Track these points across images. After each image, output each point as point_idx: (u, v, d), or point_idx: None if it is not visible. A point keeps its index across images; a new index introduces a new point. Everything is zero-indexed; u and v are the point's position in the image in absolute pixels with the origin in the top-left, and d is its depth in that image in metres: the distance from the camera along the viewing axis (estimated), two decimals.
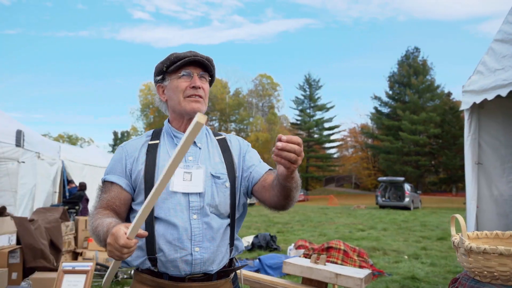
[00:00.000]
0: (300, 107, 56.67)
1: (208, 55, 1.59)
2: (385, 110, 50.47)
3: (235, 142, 1.69)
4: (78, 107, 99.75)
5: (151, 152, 1.54)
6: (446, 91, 47.34)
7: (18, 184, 7.93)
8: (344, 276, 2.57)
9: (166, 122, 1.66)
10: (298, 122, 56.89)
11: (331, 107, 55.63)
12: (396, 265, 6.79)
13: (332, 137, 56.74)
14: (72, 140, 64.14)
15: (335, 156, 59.18)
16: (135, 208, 1.54)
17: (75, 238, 6.50)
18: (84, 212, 10.58)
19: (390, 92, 49.45)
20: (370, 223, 14.20)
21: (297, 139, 1.18)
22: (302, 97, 56.50)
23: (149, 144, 1.57)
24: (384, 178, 26.37)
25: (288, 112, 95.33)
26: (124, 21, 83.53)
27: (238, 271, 1.69)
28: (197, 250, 1.44)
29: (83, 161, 12.22)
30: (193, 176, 1.48)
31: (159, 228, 1.45)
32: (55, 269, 4.56)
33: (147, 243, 1.45)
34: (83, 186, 10.64)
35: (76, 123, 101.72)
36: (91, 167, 12.83)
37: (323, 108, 55.30)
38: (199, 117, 0.99)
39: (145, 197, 1.47)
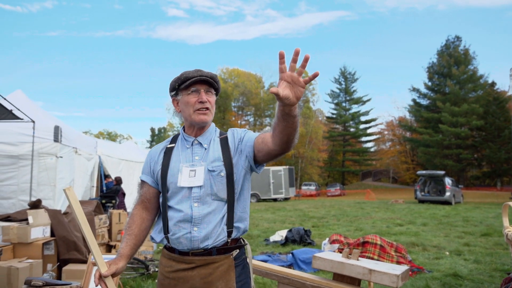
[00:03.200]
0: (335, 101, 55.76)
1: (212, 72, 1.90)
2: (424, 102, 48.64)
3: (231, 135, 1.97)
4: (117, 105, 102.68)
5: (167, 154, 1.93)
6: (490, 81, 44.96)
7: (57, 178, 8.13)
8: (378, 272, 2.38)
9: (181, 129, 2.02)
10: (334, 116, 56.01)
11: (368, 100, 54.50)
12: (436, 262, 6.47)
13: (368, 131, 55.53)
14: (111, 137, 65.98)
15: (372, 150, 57.90)
16: (160, 200, 1.93)
17: (109, 231, 6.55)
18: (121, 205, 10.77)
19: (429, 84, 47.64)
20: (409, 218, 13.72)
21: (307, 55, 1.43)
22: (337, 91, 55.58)
23: (166, 148, 1.96)
24: (424, 171, 25.27)
25: (323, 105, 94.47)
26: (159, 19, 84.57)
27: (247, 252, 1.96)
28: (195, 229, 1.77)
29: (119, 156, 12.47)
30: (196, 172, 1.83)
31: (170, 214, 1.83)
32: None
33: (163, 225, 1.84)
34: (119, 181, 10.83)
35: (115, 121, 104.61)
36: (127, 162, 13.08)
37: (359, 101, 54.20)
38: (67, 189, 1.70)
39: (163, 191, 1.87)
